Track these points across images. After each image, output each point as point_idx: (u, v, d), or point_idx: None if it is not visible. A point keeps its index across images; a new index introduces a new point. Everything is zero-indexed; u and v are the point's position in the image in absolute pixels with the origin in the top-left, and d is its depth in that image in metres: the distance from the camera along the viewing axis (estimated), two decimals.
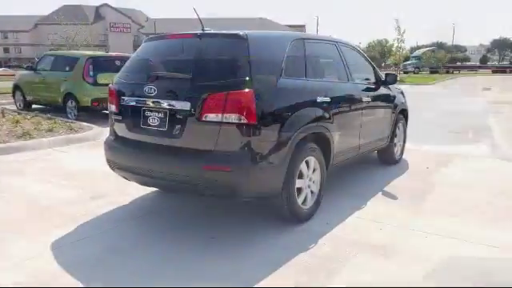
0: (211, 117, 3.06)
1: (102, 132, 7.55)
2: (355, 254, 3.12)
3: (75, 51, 14.88)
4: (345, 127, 4.14)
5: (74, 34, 26.32)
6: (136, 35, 70.82)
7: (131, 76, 3.68)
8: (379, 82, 5.13)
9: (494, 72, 56.39)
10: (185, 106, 3.17)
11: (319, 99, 3.69)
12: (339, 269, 2.90)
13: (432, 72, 52.02)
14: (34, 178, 5.12)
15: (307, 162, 3.61)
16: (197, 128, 3.14)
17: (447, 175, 5.36)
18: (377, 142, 5.17)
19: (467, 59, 73.00)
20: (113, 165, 3.75)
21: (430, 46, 73.19)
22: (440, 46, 74.71)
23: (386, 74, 5.28)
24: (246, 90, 3.02)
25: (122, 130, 3.69)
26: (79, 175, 5.22)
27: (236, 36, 3.28)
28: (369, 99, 4.67)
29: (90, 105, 9.62)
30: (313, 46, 4.07)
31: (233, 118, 3.01)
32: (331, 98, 3.84)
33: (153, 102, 3.36)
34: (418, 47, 73.53)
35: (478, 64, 68.20)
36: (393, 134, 5.57)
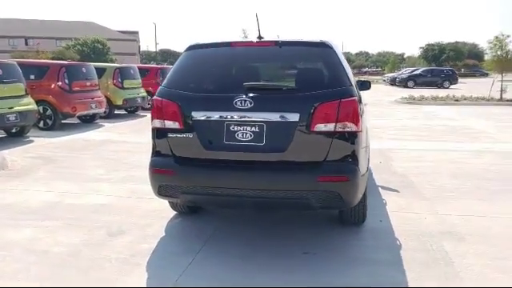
0: (323, 126, 3.00)
1: None
2: (433, 239, 3.51)
3: None
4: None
5: None
6: None
7: (202, 87, 3.27)
8: None
9: None
10: (292, 117, 3.01)
11: None
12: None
13: None
14: None
15: None
16: (307, 139, 3.03)
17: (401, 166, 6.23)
18: None
19: None
20: (173, 190, 3.25)
21: None
22: None
23: None
24: (355, 97, 3.08)
25: (189, 148, 3.23)
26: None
27: (323, 45, 3.28)
28: None
29: None
30: None
31: (345, 126, 3.02)
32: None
33: (247, 116, 3.07)
34: None
35: None
36: None
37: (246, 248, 3.43)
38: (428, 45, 66.64)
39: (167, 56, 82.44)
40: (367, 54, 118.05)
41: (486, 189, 5.02)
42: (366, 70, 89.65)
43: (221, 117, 3.12)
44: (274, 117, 3.05)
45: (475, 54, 70.46)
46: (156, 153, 3.40)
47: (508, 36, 17.87)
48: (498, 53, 18.06)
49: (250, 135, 3.08)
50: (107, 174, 5.90)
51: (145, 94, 13.63)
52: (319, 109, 2.99)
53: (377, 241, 3.56)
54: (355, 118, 3.05)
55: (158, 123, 3.33)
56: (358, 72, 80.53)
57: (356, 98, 3.09)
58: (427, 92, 23.00)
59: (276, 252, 3.34)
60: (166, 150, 3.32)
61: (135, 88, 13.26)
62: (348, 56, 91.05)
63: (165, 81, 3.44)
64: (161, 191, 3.33)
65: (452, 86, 30.57)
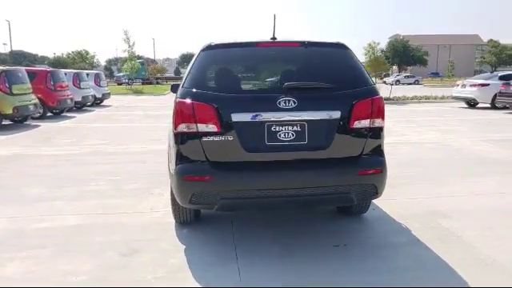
0: (361, 123, 3.18)
1: None
2: (427, 219, 3.98)
3: None
4: None
5: None
6: None
7: (237, 88, 3.14)
8: None
9: None
10: (334, 115, 3.12)
11: None
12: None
13: (144, 83, 54.75)
14: None
15: None
16: (346, 135, 3.17)
17: None
18: None
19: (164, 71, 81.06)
20: (211, 197, 3.07)
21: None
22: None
23: None
24: (381, 95, 3.32)
25: (228, 152, 3.09)
26: None
27: (343, 46, 3.45)
28: None
29: None
30: None
31: (377, 121, 3.25)
32: None
33: (290, 116, 3.06)
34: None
35: (173, 75, 76.46)
36: None
37: (276, 247, 3.42)
38: None
39: (20, 58, 72.87)
40: None
41: (430, 175, 5.80)
42: None
43: (263, 117, 3.06)
44: (316, 115, 3.12)
45: None
46: (183, 159, 3.16)
47: (378, 43, 20.80)
48: (372, 57, 20.88)
49: (292, 134, 3.10)
50: (50, 192, 5.13)
51: (36, 100, 12.03)
52: (357, 106, 3.16)
53: (387, 227, 3.88)
54: (383, 114, 3.30)
55: (186, 128, 3.10)
56: None
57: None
58: None
59: (309, 247, 3.41)
60: (198, 156, 3.12)
61: (26, 94, 11.61)
62: None
63: (187, 82, 3.23)
64: (194, 200, 3.11)
65: None
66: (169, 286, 2.83)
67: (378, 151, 3.32)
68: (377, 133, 3.28)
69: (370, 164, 3.23)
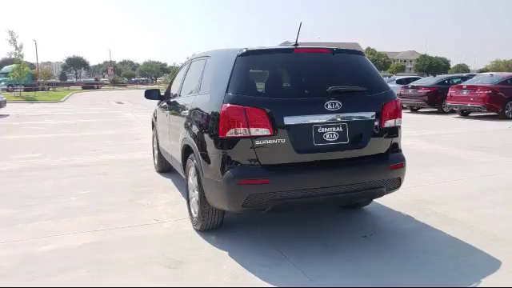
0: (389, 122, 3.54)
1: None
2: (420, 206, 4.52)
3: None
4: None
5: None
6: None
7: (285, 92, 3.29)
8: None
9: (85, 88, 60.59)
10: (370, 116, 3.43)
11: None
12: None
13: (27, 90, 49.46)
14: None
15: None
16: (379, 134, 3.49)
17: None
18: None
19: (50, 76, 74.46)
20: (266, 199, 3.14)
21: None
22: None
23: None
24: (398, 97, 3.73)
25: (281, 154, 3.19)
26: None
27: (360, 52, 3.78)
28: None
29: None
30: None
31: (398, 121, 3.65)
32: None
33: (335, 117, 3.28)
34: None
35: (59, 81, 70.74)
36: None
37: (319, 245, 3.58)
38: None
39: None
40: (132, 63, 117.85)
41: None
42: (136, 79, 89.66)
43: (312, 120, 3.24)
44: (356, 116, 3.40)
45: None
46: (232, 164, 3.17)
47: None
48: None
49: (336, 135, 3.32)
50: (20, 212, 4.55)
51: None
52: (386, 107, 3.52)
53: (391, 216, 4.30)
54: (401, 114, 3.70)
55: (236, 132, 3.13)
56: (129, 82, 79.79)
57: None
58: None
59: (343, 240, 3.66)
60: (249, 160, 3.17)
61: None
62: (114, 65, 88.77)
63: (231, 87, 3.23)
64: (249, 202, 3.15)
65: None
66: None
67: (399, 147, 3.71)
68: (398, 131, 3.67)
69: (397, 159, 3.61)
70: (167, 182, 5.87)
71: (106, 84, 68.28)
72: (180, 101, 4.68)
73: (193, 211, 3.97)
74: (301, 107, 3.25)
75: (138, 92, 46.45)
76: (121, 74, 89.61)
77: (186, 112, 4.05)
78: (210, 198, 3.46)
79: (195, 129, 3.69)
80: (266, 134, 3.14)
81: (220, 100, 3.26)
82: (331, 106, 3.27)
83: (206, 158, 3.44)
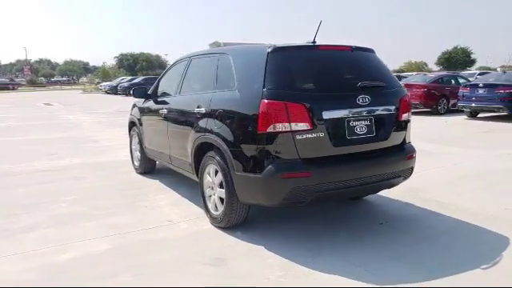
0: (404, 115, 3.81)
1: None
2: (412, 194, 4.89)
3: None
4: None
5: None
6: None
7: (320, 87, 3.41)
8: None
9: None
10: (392, 109, 3.66)
11: None
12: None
13: None
14: None
15: None
16: (397, 127, 3.74)
17: None
18: None
19: None
20: (307, 192, 3.22)
21: None
22: None
23: None
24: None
25: (319, 148, 3.29)
26: None
27: (372, 50, 3.99)
28: None
29: None
30: None
31: (409, 114, 3.94)
32: None
33: (364, 111, 3.45)
34: None
35: None
36: None
37: (344, 234, 3.73)
38: (122, 55, 69.18)
39: None
40: (50, 62, 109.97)
41: None
42: (57, 79, 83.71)
43: (347, 113, 3.39)
44: (382, 110, 3.61)
45: (162, 64, 78.20)
46: (272, 158, 3.22)
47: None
48: None
49: (365, 128, 3.50)
50: (12, 222, 4.17)
51: None
52: (402, 102, 3.78)
53: (393, 205, 4.58)
54: (411, 108, 3.99)
55: (277, 127, 3.18)
56: (48, 82, 74.29)
57: None
58: None
59: (357, 229, 3.85)
60: (290, 154, 3.23)
61: None
62: (30, 64, 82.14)
63: (268, 83, 3.26)
64: (290, 196, 3.21)
65: None
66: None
67: (409, 139, 4.00)
68: (409, 124, 3.94)
69: (410, 150, 3.89)
70: (156, 183, 5.68)
71: (23, 84, 62.86)
72: (183, 99, 4.57)
73: (212, 209, 3.92)
74: (337, 102, 3.39)
75: (63, 93, 43.67)
76: (38, 74, 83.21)
77: (201, 109, 3.96)
78: (242, 193, 3.46)
79: (221, 125, 3.64)
80: (305, 128, 3.21)
81: (256, 96, 3.27)
82: (362, 100, 3.44)
83: (238, 154, 3.42)
